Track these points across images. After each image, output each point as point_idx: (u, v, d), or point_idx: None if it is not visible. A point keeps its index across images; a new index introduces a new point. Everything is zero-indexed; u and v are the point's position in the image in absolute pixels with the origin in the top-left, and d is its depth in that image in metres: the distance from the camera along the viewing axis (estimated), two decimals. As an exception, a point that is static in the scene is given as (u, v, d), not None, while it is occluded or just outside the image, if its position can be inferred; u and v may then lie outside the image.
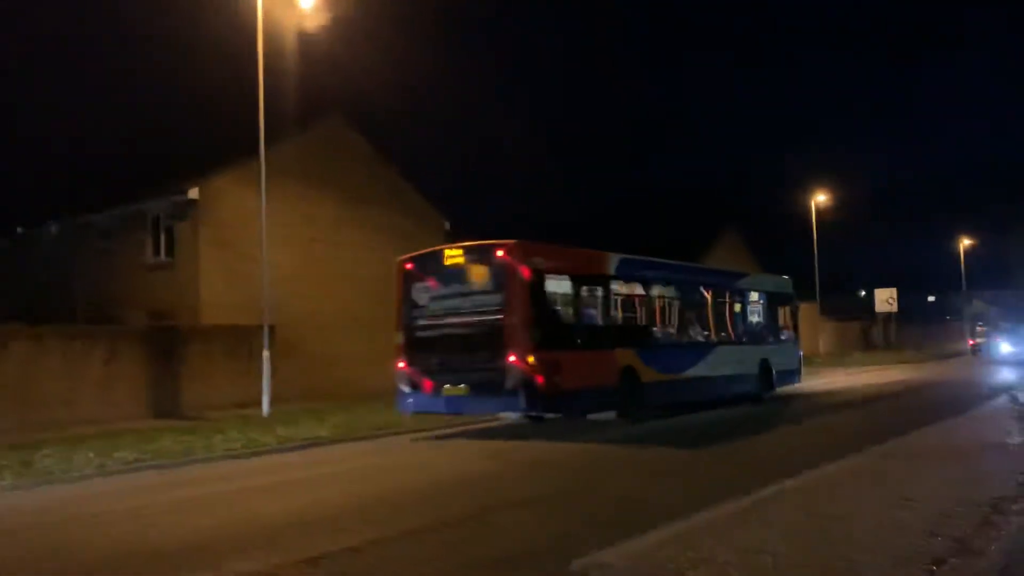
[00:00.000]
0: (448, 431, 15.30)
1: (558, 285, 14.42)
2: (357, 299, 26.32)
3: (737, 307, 20.28)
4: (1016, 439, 11.26)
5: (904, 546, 5.84)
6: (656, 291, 17.30)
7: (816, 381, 26.97)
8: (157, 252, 24.34)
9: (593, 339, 15.06)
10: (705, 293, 19.14)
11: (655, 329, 17.16)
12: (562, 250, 15.24)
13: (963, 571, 5.20)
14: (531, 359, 13.01)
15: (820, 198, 49.16)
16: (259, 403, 17.85)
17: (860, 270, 79.59)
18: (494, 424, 16.16)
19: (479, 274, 14.06)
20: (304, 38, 20.44)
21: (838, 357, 45.25)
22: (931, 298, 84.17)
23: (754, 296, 21.22)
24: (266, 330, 18.37)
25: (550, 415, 14.60)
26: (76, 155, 49.64)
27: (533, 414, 14.39)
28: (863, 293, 71.48)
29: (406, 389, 14.37)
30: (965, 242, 68.80)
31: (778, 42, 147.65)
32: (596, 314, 15.60)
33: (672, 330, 17.89)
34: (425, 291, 14.54)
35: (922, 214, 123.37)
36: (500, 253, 13.51)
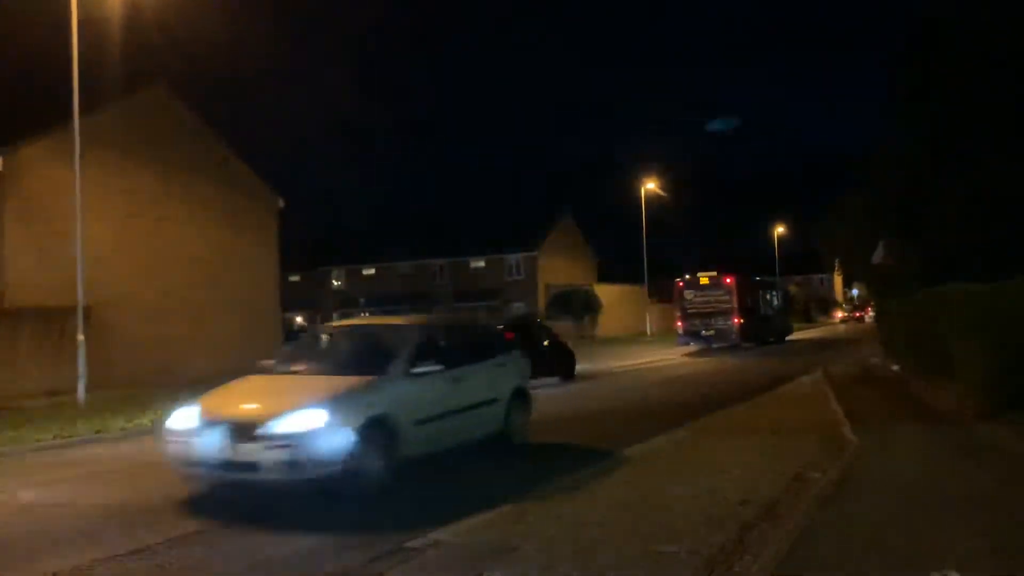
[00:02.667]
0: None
1: (746, 291, 35.12)
2: (183, 279, 25.09)
3: None
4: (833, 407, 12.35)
5: (718, 513, 6.28)
6: (765, 292, 39.53)
7: (643, 360, 28.31)
8: (-46, 227, 22.14)
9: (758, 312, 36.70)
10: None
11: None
12: (745, 275, 36.89)
13: (769, 534, 5.66)
14: (738, 320, 33.04)
15: (649, 186, 51.40)
16: (75, 390, 16.68)
17: (685, 255, 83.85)
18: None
19: (715, 286, 34.32)
20: (128, 1, 19.05)
21: (661, 336, 47.78)
22: (688, 276, 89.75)
23: None
24: (80, 312, 17.15)
25: (747, 344, 33.84)
26: None
27: (738, 344, 33.27)
28: (688, 276, 75.53)
29: (682, 335, 34.35)
30: (779, 230, 74.20)
31: (619, 31, 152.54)
32: (760, 301, 37.26)
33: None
34: (689, 293, 34.70)
35: (741, 202, 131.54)
36: (728, 281, 34.17)
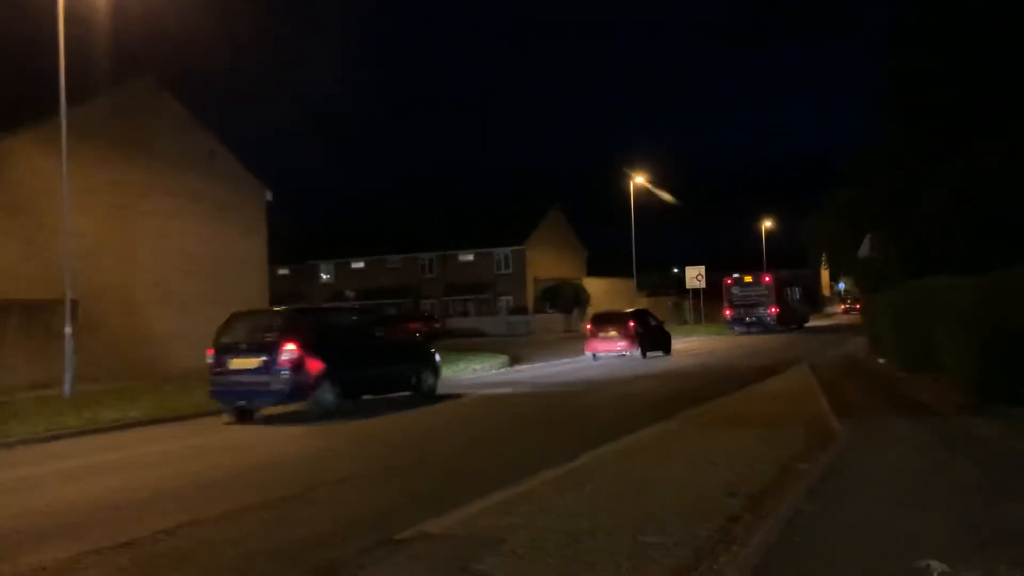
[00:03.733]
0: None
1: (780, 286, 43.39)
2: (170, 272, 25.00)
3: None
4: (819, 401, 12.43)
5: (705, 505, 6.33)
6: (791, 287, 47.00)
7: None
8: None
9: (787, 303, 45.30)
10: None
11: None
12: (779, 274, 44.85)
13: (754, 526, 5.71)
14: (774, 310, 42.14)
15: (638, 180, 51.44)
16: (61, 384, 16.60)
17: (674, 249, 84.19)
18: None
19: (756, 283, 43.17)
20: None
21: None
22: (736, 275, 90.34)
23: None
24: (68, 305, 17.05)
25: (779, 328, 41.89)
26: None
27: (774, 326, 41.97)
28: (675, 270, 75.76)
29: (730, 322, 43.39)
30: (766, 224, 74.48)
31: (608, 24, 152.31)
32: (795, 295, 47.12)
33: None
34: (736, 289, 43.47)
35: (729, 198, 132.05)
36: (766, 279, 43.28)
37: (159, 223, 24.91)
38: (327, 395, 13.26)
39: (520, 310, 56.77)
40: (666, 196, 56.03)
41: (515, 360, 26.35)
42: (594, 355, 26.64)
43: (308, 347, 12.98)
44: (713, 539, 5.39)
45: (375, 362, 14.72)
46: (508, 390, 17.46)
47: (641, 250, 52.13)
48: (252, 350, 13.13)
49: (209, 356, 13.62)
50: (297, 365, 12.81)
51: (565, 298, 54.62)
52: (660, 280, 75.57)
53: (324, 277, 65.42)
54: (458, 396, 16.37)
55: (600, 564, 4.93)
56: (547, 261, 59.14)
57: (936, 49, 18.48)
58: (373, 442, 11.24)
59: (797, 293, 47.99)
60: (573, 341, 38.55)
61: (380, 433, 12.07)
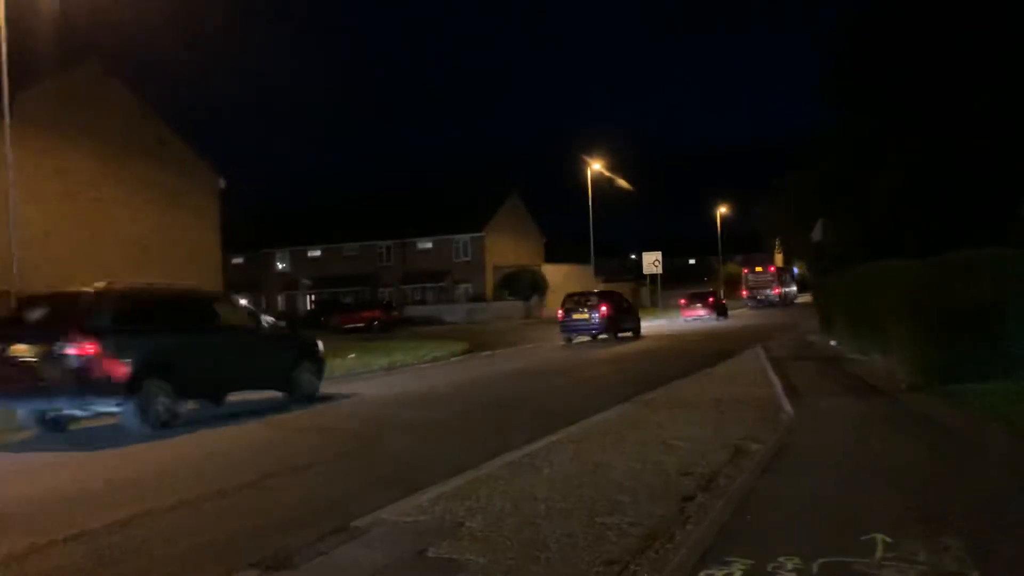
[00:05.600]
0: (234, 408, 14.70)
1: (781, 274, 58.19)
2: (121, 262, 24.47)
3: None
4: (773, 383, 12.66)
5: (660, 485, 6.43)
6: (787, 274, 61.02)
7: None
8: None
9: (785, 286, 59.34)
10: None
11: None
12: (780, 266, 59.27)
13: (708, 506, 5.81)
14: (776, 290, 56.46)
15: (596, 166, 51.64)
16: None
17: (632, 235, 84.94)
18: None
19: (764, 272, 57.43)
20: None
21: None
22: (692, 261, 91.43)
23: None
24: (13, 297, 16.64)
25: (781, 305, 54.52)
26: None
27: (777, 302, 55.62)
28: (633, 256, 76.43)
29: (747, 299, 56.26)
30: (722, 210, 75.39)
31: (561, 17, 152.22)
32: (788, 279, 59.98)
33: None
34: (751, 276, 57.56)
35: (685, 184, 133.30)
36: (772, 269, 57.53)
37: (109, 211, 24.43)
38: (152, 400, 10.49)
39: (479, 297, 56.76)
40: (622, 183, 56.38)
41: (475, 348, 26.30)
42: (568, 338, 27.04)
43: (108, 339, 10.22)
44: (668, 519, 5.49)
45: (223, 356, 11.94)
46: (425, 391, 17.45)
47: (599, 236, 52.47)
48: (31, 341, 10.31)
49: None
50: (88, 365, 10.01)
51: (524, 285, 54.72)
52: (619, 266, 76.22)
53: (280, 266, 64.72)
54: (347, 397, 14.05)
55: (556, 545, 4.98)
56: (506, 248, 59.16)
57: (883, 37, 18.83)
58: (325, 432, 11.12)
59: (789, 278, 61.36)
60: (533, 327, 38.72)
61: (333, 423, 11.91)
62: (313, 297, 62.09)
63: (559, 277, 56.82)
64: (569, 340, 26.91)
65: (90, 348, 10.01)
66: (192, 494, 7.04)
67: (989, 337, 10.19)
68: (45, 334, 10.24)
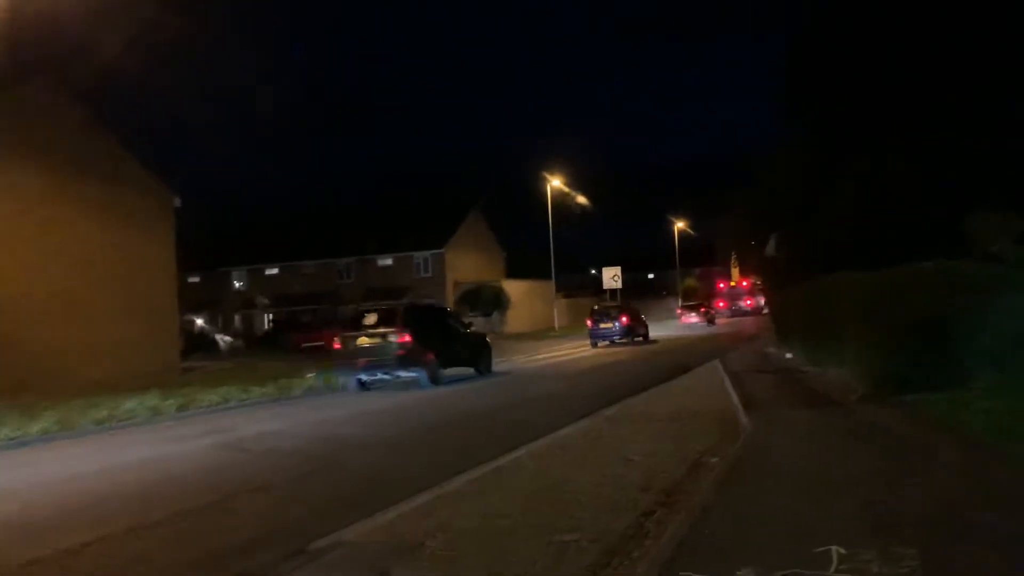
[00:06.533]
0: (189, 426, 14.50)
1: (753, 289, 60.24)
2: (73, 281, 24.04)
3: None
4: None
5: (622, 500, 6.46)
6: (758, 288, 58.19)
7: (558, 351, 28.65)
8: None
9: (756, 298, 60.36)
10: None
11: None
12: (753, 281, 58.01)
13: (666, 520, 5.85)
14: (749, 302, 62.06)
15: (555, 183, 51.93)
16: (-46, 400, 15.76)
17: (591, 250, 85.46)
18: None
19: (738, 286, 65.18)
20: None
21: (570, 329, 48.51)
22: (651, 275, 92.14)
23: None
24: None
25: (752, 314, 56.83)
26: None
27: (749, 312, 59.88)
28: (593, 271, 76.84)
29: (724, 311, 61.64)
30: (679, 224, 76.19)
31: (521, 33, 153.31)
32: (756, 293, 59.29)
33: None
34: (727, 291, 66.15)
35: (643, 199, 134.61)
36: (745, 283, 62.54)
37: (60, 229, 23.93)
38: (435, 369, 17.81)
39: (440, 314, 56.44)
40: (580, 199, 56.72)
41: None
42: (594, 343, 32.47)
43: (415, 333, 17.90)
44: (627, 534, 5.51)
45: (456, 346, 19.45)
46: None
47: (560, 251, 52.70)
48: None
49: None
50: (406, 348, 17.66)
51: (485, 301, 54.66)
52: (579, 281, 76.51)
53: (236, 284, 63.87)
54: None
55: (517, 563, 4.98)
56: (467, 264, 59.09)
57: (830, 54, 19.25)
58: (283, 454, 11.00)
59: (759, 291, 67.64)
60: (497, 343, 38.68)
61: (291, 445, 11.80)
62: (271, 316, 61.34)
63: (520, 293, 56.91)
64: (595, 344, 32.28)
65: (407, 338, 17.25)
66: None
67: (938, 347, 10.40)
68: (379, 331, 17.40)
